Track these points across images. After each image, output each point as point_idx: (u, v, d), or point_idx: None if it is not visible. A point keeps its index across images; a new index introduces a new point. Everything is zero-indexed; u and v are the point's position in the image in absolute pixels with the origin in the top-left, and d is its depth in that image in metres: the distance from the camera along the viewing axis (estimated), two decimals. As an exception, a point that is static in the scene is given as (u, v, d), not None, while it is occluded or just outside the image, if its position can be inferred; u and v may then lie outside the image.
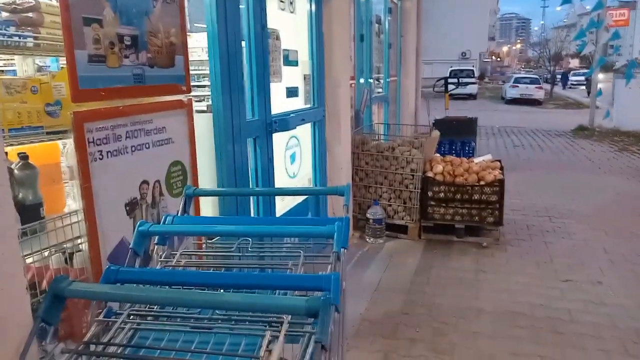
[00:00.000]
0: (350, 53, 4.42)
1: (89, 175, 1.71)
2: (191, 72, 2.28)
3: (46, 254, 1.87)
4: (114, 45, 1.78)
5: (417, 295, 3.37)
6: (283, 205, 3.35)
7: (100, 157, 1.76)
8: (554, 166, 8.00)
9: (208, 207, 2.51)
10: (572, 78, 33.58)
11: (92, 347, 1.01)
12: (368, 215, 4.44)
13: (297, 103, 3.59)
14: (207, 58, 2.53)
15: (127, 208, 1.92)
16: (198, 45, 4.89)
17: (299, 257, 1.38)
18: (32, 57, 2.54)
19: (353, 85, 4.93)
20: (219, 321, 1.09)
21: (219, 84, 2.48)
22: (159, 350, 0.98)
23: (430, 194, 4.40)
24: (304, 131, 3.76)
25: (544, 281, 3.57)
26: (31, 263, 1.83)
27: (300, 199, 3.62)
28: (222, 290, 1.20)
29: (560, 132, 12.37)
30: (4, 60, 2.90)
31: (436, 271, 3.78)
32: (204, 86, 5.80)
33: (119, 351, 0.99)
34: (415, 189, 4.45)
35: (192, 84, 2.29)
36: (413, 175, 4.46)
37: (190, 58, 2.29)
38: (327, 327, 0.87)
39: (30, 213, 1.83)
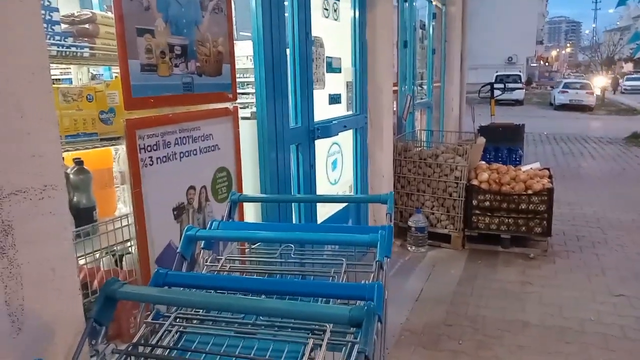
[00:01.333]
0: (393, 60, 4.39)
1: (139, 180, 1.77)
2: (237, 80, 2.33)
3: (97, 255, 1.95)
4: (164, 55, 1.84)
5: (460, 306, 3.30)
6: (324, 212, 3.36)
7: (151, 163, 1.82)
8: (606, 175, 7.65)
9: (251, 213, 2.55)
10: (625, 83, 32.12)
11: (141, 349, 1.04)
12: (410, 224, 4.38)
13: (340, 110, 3.59)
14: (252, 66, 2.58)
15: (175, 212, 1.97)
16: (243, 53, 5.01)
17: (342, 264, 1.38)
18: (87, 66, 2.66)
19: (396, 91, 4.90)
20: (263, 327, 1.10)
21: (264, 91, 2.52)
22: (204, 354, 1.00)
23: (474, 202, 4.30)
24: (346, 138, 3.77)
25: (594, 295, 3.41)
26: (83, 264, 1.92)
27: (341, 206, 3.61)
28: (264, 296, 1.22)
29: (612, 139, 11.83)
30: (61, 69, 3.05)
31: (480, 282, 3.69)
32: (248, 93, 5.93)
33: (165, 353, 1.01)
34: (459, 197, 4.36)
35: (238, 90, 2.35)
36: (457, 183, 4.37)
37: (237, 65, 2.34)
38: (371, 337, 0.86)
39: (83, 216, 1.91)
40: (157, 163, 1.84)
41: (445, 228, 4.46)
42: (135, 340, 1.06)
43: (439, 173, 4.48)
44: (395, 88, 4.91)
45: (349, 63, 3.71)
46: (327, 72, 3.28)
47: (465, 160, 4.37)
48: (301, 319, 0.97)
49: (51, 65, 2.39)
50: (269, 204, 2.58)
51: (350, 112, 3.76)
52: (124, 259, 2.00)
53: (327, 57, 3.29)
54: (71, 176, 1.93)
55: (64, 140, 1.82)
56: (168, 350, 1.02)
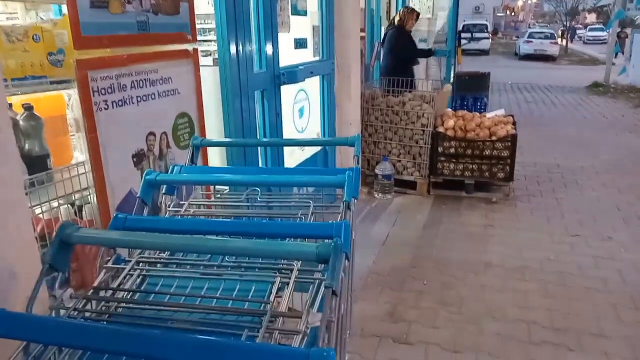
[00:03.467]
0: (361, 4, 4.26)
1: (94, 125, 1.68)
2: (198, 25, 2.21)
3: (55, 205, 1.88)
4: (115, -10, 1.71)
5: (426, 249, 3.39)
6: (291, 161, 3.32)
7: (106, 107, 1.73)
8: (567, 123, 7.86)
9: (216, 160, 2.49)
10: (588, 34, 32.51)
11: (102, 293, 1.01)
12: (377, 171, 4.41)
13: (306, 55, 3.49)
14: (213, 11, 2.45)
15: (134, 159, 1.90)
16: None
17: (309, 207, 1.36)
18: (35, 10, 2.46)
19: (364, 37, 4.79)
20: (229, 268, 1.08)
21: (225, 35, 2.41)
22: (168, 296, 0.98)
23: (440, 149, 4.34)
24: (313, 85, 3.69)
25: (553, 236, 3.56)
26: (40, 214, 1.84)
27: (308, 154, 3.58)
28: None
29: (574, 88, 12.09)
30: (8, 13, 2.81)
31: (445, 226, 3.78)
32: (210, 41, 5.68)
33: (128, 296, 0.99)
34: (425, 144, 4.39)
35: (199, 38, 2.23)
36: (423, 131, 4.39)
37: (198, 11, 2.21)
38: (338, 273, 0.85)
39: (37, 164, 1.82)
40: (112, 107, 1.75)
41: (411, 175, 4.51)
42: (95, 284, 1.02)
43: (405, 121, 4.48)
44: (363, 34, 4.80)
45: (315, 6, 3.58)
46: (292, 14, 3.16)
47: (432, 107, 4.37)
48: (268, 257, 0.96)
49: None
50: (235, 151, 2.52)
51: (317, 58, 3.66)
52: (83, 209, 1.93)
53: (292, -2, 3.15)
54: (21, 122, 1.81)
55: (10, 84, 1.70)
56: (130, 293, 0.99)
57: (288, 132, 3.23)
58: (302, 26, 3.38)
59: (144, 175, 1.34)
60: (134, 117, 1.85)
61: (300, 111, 3.52)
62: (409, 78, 4.74)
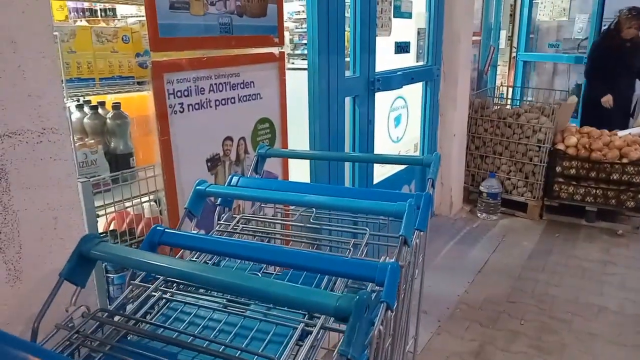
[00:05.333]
0: (476, 5, 3.93)
1: (167, 127, 1.67)
2: (297, 30, 2.14)
3: (138, 201, 1.93)
4: (199, -9, 1.69)
5: (528, 282, 2.99)
6: (383, 172, 3.13)
7: (181, 110, 1.71)
8: None
9: (302, 172, 2.39)
10: None
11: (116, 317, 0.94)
12: (482, 189, 4.04)
13: (408, 60, 3.27)
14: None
15: (209, 164, 1.87)
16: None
17: (365, 235, 1.19)
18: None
19: (477, 42, 4.43)
20: (256, 303, 0.96)
21: (316, 38, 2.30)
22: (176, 333, 0.88)
23: (558, 169, 3.84)
24: (414, 92, 3.45)
25: (694, 285, 2.94)
26: (121, 210, 1.90)
27: (400, 166, 3.35)
28: (262, 267, 1.08)
29: None
30: (141, 16, 2.94)
31: (555, 258, 3.32)
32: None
33: (140, 324, 0.91)
34: (540, 162, 3.92)
35: (299, 41, 2.16)
36: (540, 147, 3.92)
37: (297, 16, 2.14)
38: (359, 336, 0.68)
39: (120, 162, 1.87)
40: (188, 110, 1.73)
41: (522, 195, 4.06)
42: (118, 302, 0.96)
43: (519, 135, 4.04)
44: (477, 38, 4.43)
45: (423, 7, 3.35)
46: (394, 16, 2.97)
47: (551, 121, 3.89)
48: (277, 302, 0.81)
49: (114, 7, 2.34)
50: (319, 163, 2.40)
51: (420, 63, 3.42)
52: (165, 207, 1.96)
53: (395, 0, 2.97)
54: (108, 121, 1.88)
55: (98, 83, 1.76)
56: (142, 320, 0.91)
57: (381, 142, 3.05)
58: (405, 29, 3.17)
59: (194, 185, 1.28)
60: (210, 121, 1.82)
61: (397, 120, 3.32)
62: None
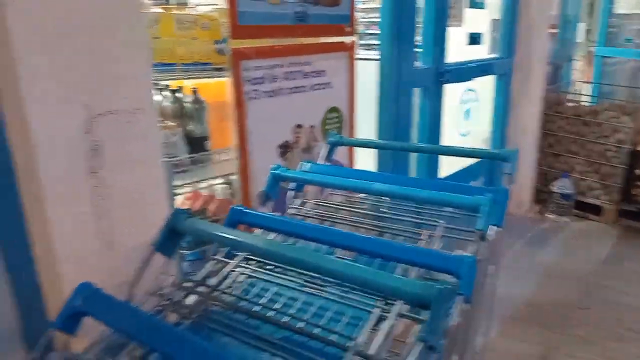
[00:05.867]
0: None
1: (243, 113, 1.73)
2: (362, 19, 2.14)
3: (214, 182, 2.01)
4: (277, -20, 1.72)
5: (600, 289, 2.84)
6: (449, 166, 3.07)
7: (256, 96, 1.76)
8: None
9: (368, 161, 2.40)
10: None
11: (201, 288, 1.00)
12: (553, 189, 3.86)
13: (480, 52, 3.18)
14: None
15: (280, 150, 1.92)
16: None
17: (438, 227, 1.18)
18: None
19: (554, 34, 4.21)
20: (332, 285, 0.98)
21: (388, 28, 2.28)
22: (260, 306, 0.92)
23: (638, 172, 3.61)
24: (485, 84, 3.35)
25: None
26: (197, 190, 1.99)
27: (471, 161, 3.27)
28: (338, 251, 1.09)
29: None
30: (212, 4, 3.02)
31: (631, 265, 3.13)
32: (375, 33, 5.60)
33: (224, 296, 0.95)
34: (619, 164, 3.69)
35: (369, 30, 2.16)
36: (619, 148, 3.69)
37: (363, 5, 2.13)
38: (439, 324, 0.69)
39: (196, 145, 1.96)
40: (262, 97, 1.77)
41: (597, 198, 3.84)
42: (200, 276, 1.02)
43: (597, 134, 3.82)
44: (554, 31, 4.22)
45: (498, -3, 3.23)
46: (468, 7, 2.88)
47: (632, 120, 3.65)
48: (358, 285, 0.83)
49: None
50: (385, 153, 2.39)
51: (493, 55, 3.31)
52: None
53: (470, -11, 2.88)
54: (186, 105, 1.97)
55: (179, 68, 1.84)
56: (226, 294, 0.96)
57: (449, 135, 2.99)
58: (478, 20, 3.07)
59: (270, 169, 1.32)
60: (283, 109, 1.86)
61: (467, 113, 3.23)
62: None
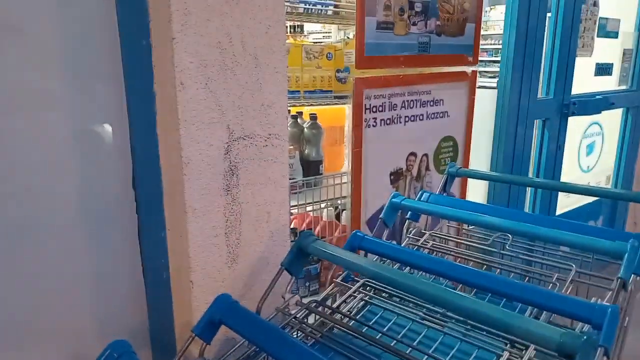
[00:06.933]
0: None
1: (361, 140, 1.77)
2: (490, 46, 2.11)
3: (323, 206, 2.07)
4: (403, 12, 1.76)
5: None
6: (567, 203, 2.87)
7: (374, 124, 1.80)
8: None
9: (479, 194, 2.33)
10: None
11: (320, 308, 1.03)
12: (687, 234, 3.44)
13: (609, 83, 2.96)
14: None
15: (392, 177, 1.93)
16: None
17: (570, 271, 1.12)
18: (345, 30, 2.74)
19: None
20: (453, 321, 0.96)
21: (511, 57, 2.22)
22: (380, 334, 0.93)
23: None
24: (611, 118, 3.10)
25: None
26: (308, 212, 2.06)
27: (588, 199, 3.03)
28: (460, 287, 1.07)
29: None
30: (325, 32, 3.18)
31: None
32: (497, 61, 5.42)
33: (344, 320, 0.98)
34: None
35: (489, 58, 2.12)
36: None
37: (494, 31, 2.11)
38: (583, 378, 0.65)
39: (311, 168, 2.04)
40: (380, 125, 1.81)
41: None
42: (321, 297, 1.05)
43: None
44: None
45: (632, 26, 3.00)
46: (598, 36, 2.71)
47: None
48: (494, 327, 0.80)
49: (304, 24, 2.57)
50: (499, 186, 2.31)
51: (623, 87, 3.07)
52: (342, 213, 2.08)
53: (600, 18, 2.71)
54: (305, 130, 2.06)
55: (302, 96, 1.94)
56: (347, 318, 0.98)
57: (569, 170, 2.80)
58: (608, 49, 2.87)
59: (390, 197, 1.33)
60: (398, 136, 1.88)
61: (590, 147, 3.01)
62: None
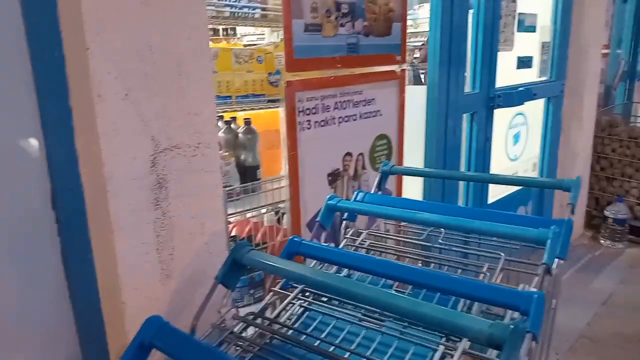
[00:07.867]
0: (605, 16, 3.65)
1: (296, 143, 1.76)
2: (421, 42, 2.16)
3: (263, 211, 2.04)
4: (330, 14, 1.76)
5: (664, 321, 2.68)
6: (497, 191, 3.00)
7: (308, 126, 1.80)
8: None
9: (414, 189, 2.39)
10: None
11: (259, 320, 1.01)
12: (607, 213, 3.70)
13: (530, 75, 3.13)
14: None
15: (329, 178, 1.94)
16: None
17: (499, 260, 1.16)
18: (278, 32, 2.70)
19: (606, 54, 4.10)
20: (391, 319, 0.98)
21: (437, 54, 2.29)
22: (318, 341, 0.92)
23: (702, 196, 3.42)
24: (534, 108, 3.28)
25: None
26: (249, 218, 2.02)
27: (517, 187, 3.18)
28: (396, 284, 1.09)
29: None
30: (258, 34, 3.13)
31: (697, 296, 2.95)
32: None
33: (283, 330, 0.97)
34: (679, 188, 3.51)
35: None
36: (679, 171, 3.52)
37: (418, 29, 2.16)
38: (513, 366, 0.67)
39: (248, 174, 2.00)
40: (314, 127, 1.81)
41: (656, 224, 3.66)
42: (260, 308, 1.03)
43: (654, 156, 3.66)
44: (607, 50, 4.11)
45: (548, 20, 3.18)
46: (517, 31, 2.85)
47: (695, 142, 3.48)
48: (426, 323, 0.82)
49: (235, 27, 2.53)
50: (433, 181, 2.38)
51: (543, 78, 3.25)
52: (283, 217, 2.06)
53: (519, 13, 2.85)
54: (240, 135, 2.02)
55: (234, 101, 1.90)
56: (285, 327, 0.97)
57: (498, 160, 2.93)
58: (528, 43, 3.03)
59: (326, 199, 1.33)
60: (333, 138, 1.89)
61: (516, 137, 3.17)
62: None
